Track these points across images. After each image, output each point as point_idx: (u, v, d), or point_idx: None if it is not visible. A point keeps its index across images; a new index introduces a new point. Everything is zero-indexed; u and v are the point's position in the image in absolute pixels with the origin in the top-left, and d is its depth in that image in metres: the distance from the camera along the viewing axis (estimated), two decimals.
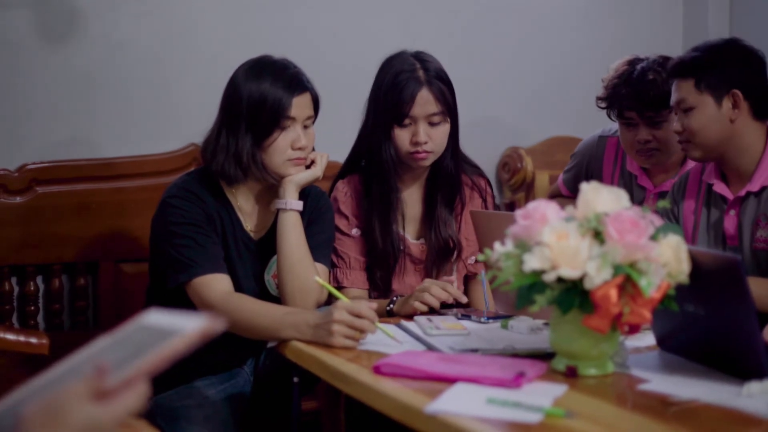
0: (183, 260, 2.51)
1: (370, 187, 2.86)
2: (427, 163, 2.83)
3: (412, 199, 2.92)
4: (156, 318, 1.22)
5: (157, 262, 2.65)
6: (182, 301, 2.53)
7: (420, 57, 2.84)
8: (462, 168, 2.95)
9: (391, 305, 2.66)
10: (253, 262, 2.67)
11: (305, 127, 2.60)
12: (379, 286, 2.87)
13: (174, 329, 1.18)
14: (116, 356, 1.17)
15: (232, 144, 2.56)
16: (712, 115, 2.70)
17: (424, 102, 2.77)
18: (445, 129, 2.81)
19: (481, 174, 3.04)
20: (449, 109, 2.82)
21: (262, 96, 2.54)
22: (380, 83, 2.84)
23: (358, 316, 2.21)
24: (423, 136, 2.76)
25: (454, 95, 2.85)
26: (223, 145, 2.57)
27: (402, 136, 2.78)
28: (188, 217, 2.55)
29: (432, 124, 2.78)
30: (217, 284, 2.49)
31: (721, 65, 2.71)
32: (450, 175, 2.89)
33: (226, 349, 2.58)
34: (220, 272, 2.52)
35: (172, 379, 2.57)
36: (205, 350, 2.48)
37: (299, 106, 2.57)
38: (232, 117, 2.57)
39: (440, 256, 2.90)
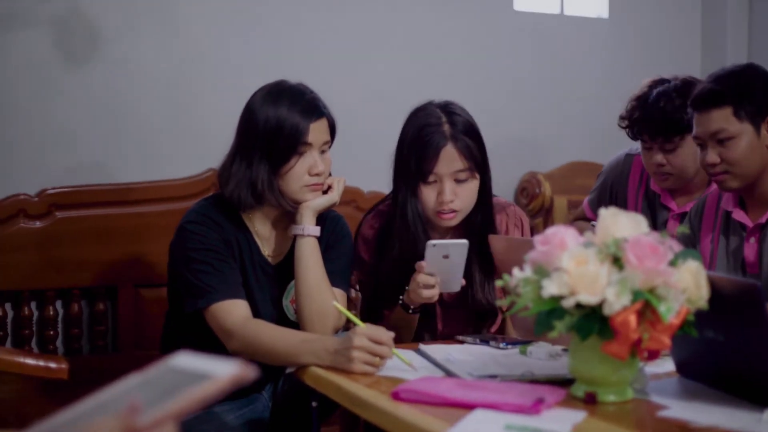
0: (201, 286, 2.50)
1: (395, 237, 2.75)
2: (454, 222, 2.71)
3: None
4: (186, 360, 1.22)
5: (175, 286, 2.65)
6: (201, 326, 2.53)
7: (447, 109, 2.72)
8: (494, 222, 2.82)
9: (401, 299, 2.67)
10: (271, 287, 2.67)
11: (322, 152, 2.60)
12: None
13: (205, 373, 1.18)
14: (147, 396, 1.17)
15: (247, 170, 2.56)
16: (753, 143, 2.64)
17: (450, 158, 2.65)
18: (473, 186, 2.70)
19: (508, 203, 2.93)
20: (477, 164, 2.69)
21: (279, 122, 2.53)
22: (405, 136, 2.72)
23: (378, 342, 2.20)
24: (449, 195, 2.65)
25: (483, 149, 2.72)
26: (237, 170, 2.57)
27: (428, 194, 2.68)
28: (206, 242, 2.55)
29: (458, 181, 2.67)
30: (235, 310, 2.49)
31: (756, 92, 2.65)
32: (480, 233, 2.73)
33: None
34: (238, 298, 2.51)
35: None
36: None
37: (316, 131, 2.56)
38: (247, 143, 2.57)
39: (480, 317, 2.82)
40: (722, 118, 2.65)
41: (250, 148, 2.56)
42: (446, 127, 2.66)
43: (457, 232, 2.79)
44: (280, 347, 2.37)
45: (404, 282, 2.65)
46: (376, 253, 2.83)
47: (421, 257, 2.58)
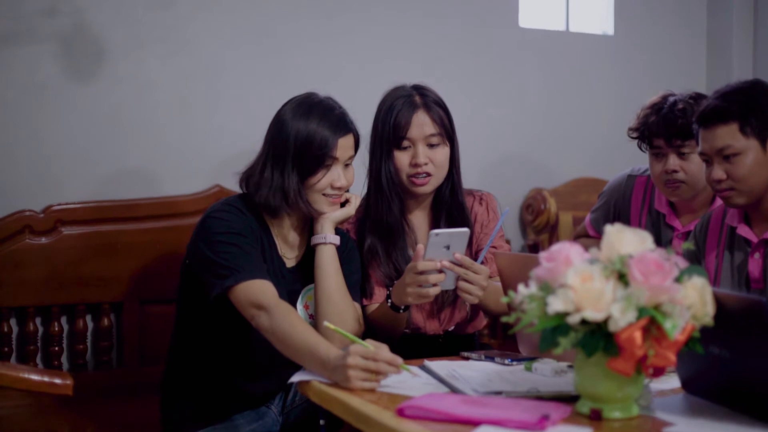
0: (229, 266, 2.49)
1: (374, 212, 2.87)
2: (428, 188, 2.86)
3: (421, 225, 2.94)
4: None
5: (189, 290, 2.67)
6: (210, 339, 2.55)
7: (417, 86, 2.91)
8: (462, 192, 2.94)
9: (390, 299, 2.70)
10: (283, 288, 2.66)
11: (346, 165, 2.67)
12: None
13: None
14: None
15: (278, 178, 2.61)
16: (759, 159, 2.64)
17: (421, 123, 2.83)
18: (444, 152, 2.86)
19: (477, 191, 3.05)
20: (447, 132, 2.86)
21: (309, 135, 2.60)
22: (379, 112, 2.90)
23: (374, 359, 2.17)
24: (422, 158, 2.81)
25: (452, 122, 2.89)
26: (268, 178, 2.61)
27: (402, 159, 2.84)
28: (232, 227, 2.57)
29: (431, 146, 2.83)
30: (268, 289, 2.46)
31: (762, 108, 2.64)
32: (449, 203, 2.91)
33: (260, 372, 2.61)
34: (267, 280, 2.50)
35: (209, 414, 2.64)
36: (241, 375, 2.46)
37: (343, 147, 2.63)
38: (278, 152, 2.62)
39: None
40: (728, 135, 2.64)
41: (282, 157, 2.61)
42: (417, 98, 2.86)
43: (426, 202, 2.93)
44: (296, 340, 2.33)
45: (386, 257, 2.83)
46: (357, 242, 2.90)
47: (396, 226, 2.80)
